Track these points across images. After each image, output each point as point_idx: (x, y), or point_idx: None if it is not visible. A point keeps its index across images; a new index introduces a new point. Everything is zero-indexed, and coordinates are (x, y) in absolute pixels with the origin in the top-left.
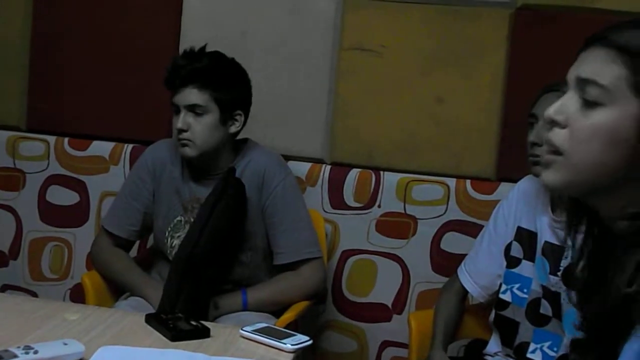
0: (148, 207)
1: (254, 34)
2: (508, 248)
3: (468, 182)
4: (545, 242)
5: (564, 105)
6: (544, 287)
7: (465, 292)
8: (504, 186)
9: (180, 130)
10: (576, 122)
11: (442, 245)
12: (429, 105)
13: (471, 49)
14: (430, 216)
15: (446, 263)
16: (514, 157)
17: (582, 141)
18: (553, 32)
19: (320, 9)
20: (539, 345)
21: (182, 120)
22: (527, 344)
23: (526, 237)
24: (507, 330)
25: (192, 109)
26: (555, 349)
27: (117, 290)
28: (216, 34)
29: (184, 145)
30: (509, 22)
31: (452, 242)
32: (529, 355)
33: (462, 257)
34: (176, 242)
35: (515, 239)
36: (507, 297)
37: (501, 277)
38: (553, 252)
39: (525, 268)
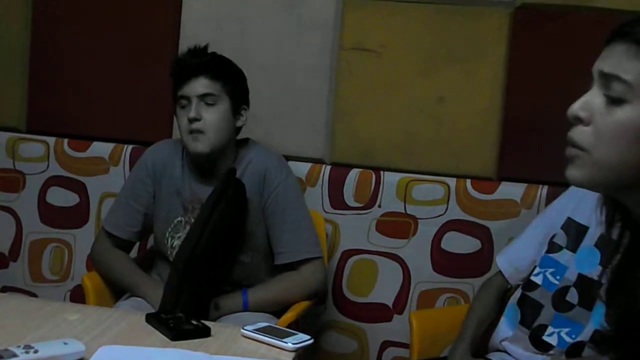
0: (148, 208)
1: (253, 34)
2: (554, 236)
3: (468, 181)
4: (602, 234)
5: (588, 101)
6: (582, 276)
7: (505, 289)
8: (504, 185)
9: (193, 120)
10: (600, 119)
11: (443, 245)
12: (429, 104)
13: (471, 49)
14: (430, 216)
15: (447, 263)
16: (515, 157)
17: (606, 139)
18: (553, 31)
19: (320, 9)
20: (557, 330)
21: (195, 109)
22: (545, 327)
23: (574, 229)
24: (530, 311)
25: (204, 98)
26: (573, 336)
27: (117, 291)
28: (216, 35)
29: (196, 139)
30: (509, 22)
31: (453, 242)
32: (544, 338)
33: (463, 256)
34: (176, 242)
35: (562, 228)
36: (538, 279)
37: (537, 261)
38: (608, 246)
39: (564, 256)
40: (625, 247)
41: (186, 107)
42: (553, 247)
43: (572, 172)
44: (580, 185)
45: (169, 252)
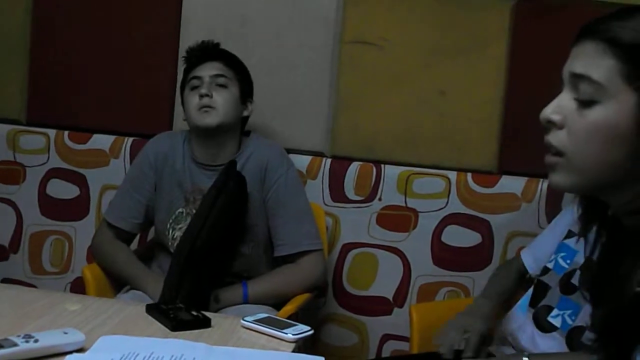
0: (150, 199)
1: (254, 27)
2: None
3: (469, 175)
4: (578, 217)
5: (560, 105)
6: (589, 260)
7: (523, 272)
8: (505, 179)
9: (204, 95)
10: (573, 122)
11: (443, 239)
12: (430, 98)
13: (473, 41)
14: (431, 209)
15: (447, 256)
16: (516, 150)
17: (581, 141)
18: (554, 24)
19: (321, 2)
20: (561, 312)
21: (207, 87)
22: (551, 309)
23: None
24: (538, 292)
25: (216, 79)
26: (573, 317)
27: (118, 283)
28: (216, 28)
29: (206, 112)
30: (511, 14)
31: (453, 236)
32: (549, 319)
33: (463, 250)
34: (178, 233)
35: (579, 218)
36: (550, 264)
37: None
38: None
39: (575, 241)
40: (604, 244)
41: (198, 87)
42: (569, 234)
43: (554, 179)
44: (564, 190)
45: (170, 244)
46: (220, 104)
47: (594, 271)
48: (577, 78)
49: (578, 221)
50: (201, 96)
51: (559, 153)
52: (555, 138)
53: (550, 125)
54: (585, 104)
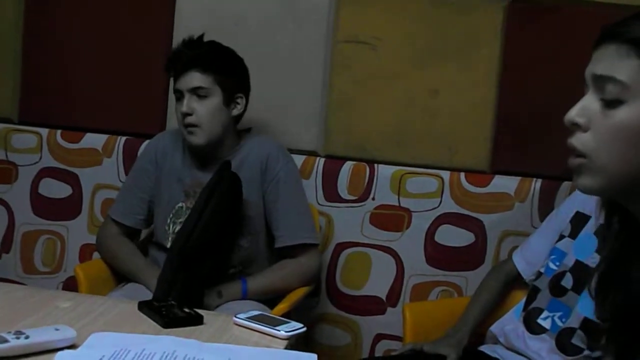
0: (152, 195)
1: (248, 27)
2: (563, 230)
3: (462, 174)
4: (601, 224)
5: (585, 107)
6: (578, 262)
7: (514, 275)
8: (498, 179)
9: (185, 115)
10: (599, 123)
11: (437, 238)
12: (423, 98)
13: (465, 42)
14: (424, 209)
15: (440, 256)
16: (509, 150)
17: (607, 142)
18: (547, 25)
19: (314, 1)
20: (551, 314)
21: (187, 104)
22: (541, 311)
23: (578, 219)
24: (530, 295)
25: (196, 91)
26: (563, 320)
27: (122, 278)
28: (210, 27)
29: (191, 133)
30: (503, 15)
31: (447, 235)
32: (539, 321)
33: (456, 249)
34: (178, 227)
35: (570, 221)
36: (542, 269)
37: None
38: (602, 240)
39: (565, 243)
40: (620, 244)
41: (180, 100)
42: (560, 238)
43: (581, 182)
44: (591, 193)
45: (169, 238)
46: (202, 118)
47: (605, 270)
48: (601, 79)
49: (570, 224)
50: (183, 115)
51: (582, 155)
52: (578, 140)
53: (575, 127)
54: (611, 104)
